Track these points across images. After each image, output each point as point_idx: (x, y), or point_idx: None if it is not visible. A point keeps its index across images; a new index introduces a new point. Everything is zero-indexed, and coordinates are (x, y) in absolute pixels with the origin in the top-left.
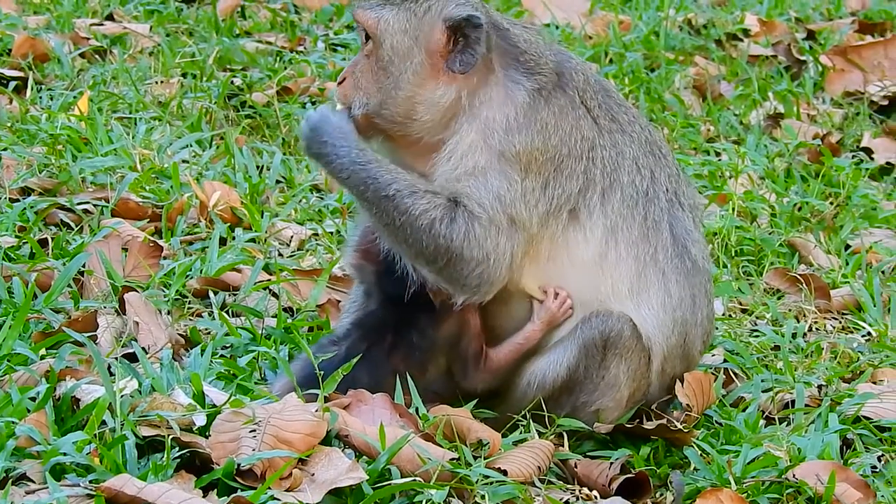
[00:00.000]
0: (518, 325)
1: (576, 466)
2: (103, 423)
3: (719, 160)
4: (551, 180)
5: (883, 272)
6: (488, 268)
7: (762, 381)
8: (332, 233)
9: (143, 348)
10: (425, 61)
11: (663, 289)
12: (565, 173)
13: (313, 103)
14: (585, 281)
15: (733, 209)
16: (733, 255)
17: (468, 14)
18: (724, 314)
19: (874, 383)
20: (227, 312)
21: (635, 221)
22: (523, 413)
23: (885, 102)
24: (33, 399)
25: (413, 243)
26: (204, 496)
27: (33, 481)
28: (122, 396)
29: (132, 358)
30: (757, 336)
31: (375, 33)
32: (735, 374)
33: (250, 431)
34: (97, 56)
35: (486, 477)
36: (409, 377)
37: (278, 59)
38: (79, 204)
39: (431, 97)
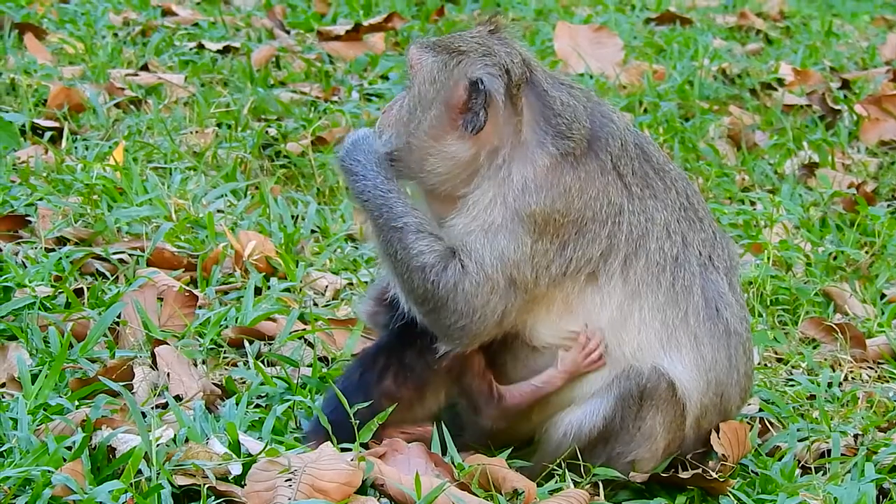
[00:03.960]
0: (519, 370)
1: None
2: (139, 472)
3: (754, 209)
4: (571, 242)
5: None
6: (471, 322)
7: (798, 430)
8: (366, 282)
9: (176, 397)
10: (443, 115)
11: (695, 351)
12: (587, 237)
13: (346, 142)
14: (607, 340)
15: (768, 258)
16: (769, 304)
17: (478, 77)
18: (759, 363)
19: None
20: (262, 362)
21: (661, 287)
22: (558, 462)
23: None
24: (69, 448)
25: (407, 280)
26: None
27: None
28: (157, 445)
29: (167, 407)
30: (793, 385)
31: (412, 74)
32: (771, 423)
33: (286, 480)
34: (132, 106)
35: None
36: (402, 400)
37: (313, 108)
38: (114, 254)
39: (444, 151)
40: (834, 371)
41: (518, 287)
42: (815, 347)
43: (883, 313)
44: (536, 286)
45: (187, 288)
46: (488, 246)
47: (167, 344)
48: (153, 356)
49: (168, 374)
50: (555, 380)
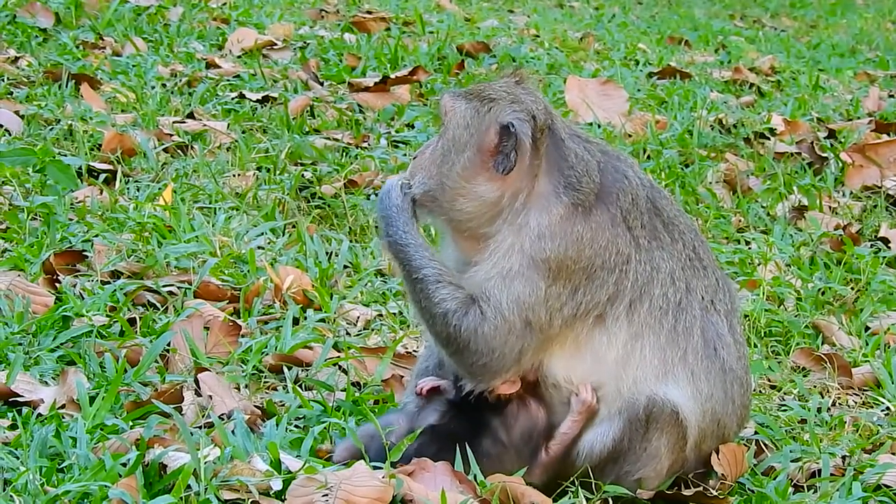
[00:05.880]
0: (557, 415)
1: None
2: (188, 487)
3: (749, 249)
4: (581, 287)
5: None
6: (492, 361)
7: (791, 451)
8: (395, 314)
9: (221, 417)
10: (475, 157)
11: (692, 385)
12: (596, 283)
13: (377, 195)
14: (612, 376)
15: (763, 294)
16: (763, 335)
17: (508, 121)
18: (754, 390)
19: (893, 454)
20: (300, 386)
21: (663, 328)
22: (572, 480)
23: None
24: (124, 465)
25: (432, 325)
26: None
27: None
28: (205, 463)
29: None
30: (785, 410)
31: (445, 121)
32: (766, 445)
33: (323, 496)
34: (180, 151)
35: None
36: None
37: (345, 154)
38: (164, 286)
39: (474, 192)
40: (823, 397)
41: (533, 328)
42: (805, 375)
43: (867, 344)
44: (550, 327)
45: (231, 318)
46: (506, 291)
47: (209, 371)
48: (197, 381)
49: (210, 397)
50: (576, 424)
